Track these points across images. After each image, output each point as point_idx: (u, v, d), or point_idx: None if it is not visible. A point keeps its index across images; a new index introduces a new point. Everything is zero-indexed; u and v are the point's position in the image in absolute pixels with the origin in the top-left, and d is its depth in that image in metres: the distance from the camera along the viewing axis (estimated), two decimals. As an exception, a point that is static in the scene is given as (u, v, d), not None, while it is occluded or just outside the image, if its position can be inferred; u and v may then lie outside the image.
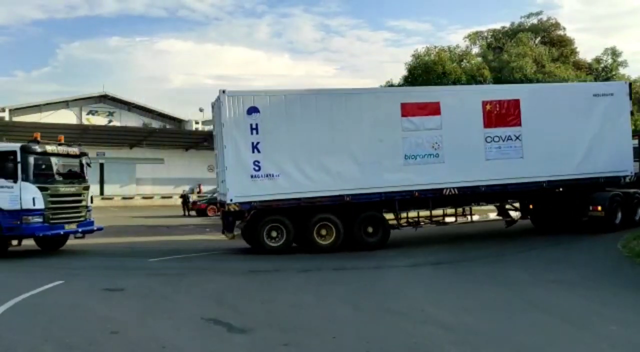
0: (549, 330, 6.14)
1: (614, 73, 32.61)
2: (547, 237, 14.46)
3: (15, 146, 12.60)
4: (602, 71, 32.94)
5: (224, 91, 12.48)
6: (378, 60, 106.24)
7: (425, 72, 26.23)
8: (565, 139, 14.21)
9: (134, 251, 14.04)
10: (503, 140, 13.84)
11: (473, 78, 25.95)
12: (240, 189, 12.32)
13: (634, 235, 12.54)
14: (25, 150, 12.51)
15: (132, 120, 47.46)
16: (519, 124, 13.91)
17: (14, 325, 6.68)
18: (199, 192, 32.88)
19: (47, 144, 13.28)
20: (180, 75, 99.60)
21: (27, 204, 12.28)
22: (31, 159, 12.56)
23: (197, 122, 48.91)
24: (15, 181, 12.30)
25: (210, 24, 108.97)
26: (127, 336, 6.22)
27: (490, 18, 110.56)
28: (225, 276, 10.30)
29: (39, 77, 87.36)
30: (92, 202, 14.11)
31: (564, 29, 32.86)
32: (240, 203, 12.34)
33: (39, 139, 13.14)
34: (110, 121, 46.90)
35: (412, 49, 37.31)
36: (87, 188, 13.94)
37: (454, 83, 24.85)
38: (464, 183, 13.52)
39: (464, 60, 28.42)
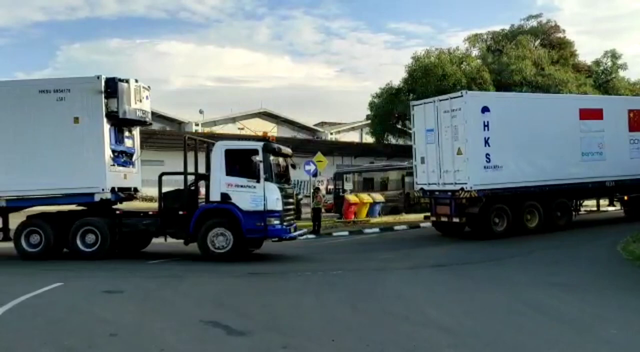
0: (549, 333, 6.12)
1: (613, 76, 32.59)
2: (547, 239, 14.47)
3: (258, 145, 12.17)
4: (602, 74, 32.91)
5: (466, 92, 15.26)
6: (378, 62, 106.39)
7: (425, 74, 26.20)
8: None
9: (133, 253, 14.01)
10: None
11: (473, 80, 25.90)
12: (477, 178, 14.42)
13: (634, 238, 12.53)
14: (267, 149, 12.01)
15: (132, 122, 47.30)
16: None
17: (12, 327, 6.68)
18: (199, 194, 32.87)
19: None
20: (180, 77, 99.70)
21: (272, 205, 11.76)
22: (270, 158, 12.14)
23: (197, 124, 48.88)
24: (258, 181, 11.79)
25: (211, 26, 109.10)
26: (126, 338, 6.21)
27: (490, 20, 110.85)
28: (225, 278, 10.29)
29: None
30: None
31: (564, 31, 32.85)
32: (477, 190, 14.32)
33: (268, 136, 12.72)
34: (110, 123, 46.77)
35: (412, 51, 37.45)
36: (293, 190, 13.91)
37: (454, 85, 24.77)
38: (618, 177, 16.70)
39: (464, 63, 28.37)
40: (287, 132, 52.26)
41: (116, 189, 12.87)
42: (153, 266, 11.76)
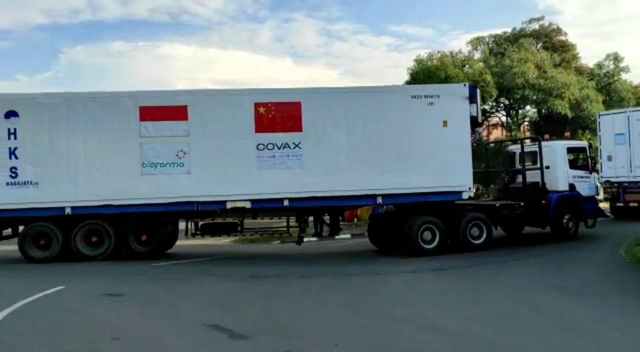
0: (551, 337, 6.10)
1: (615, 78, 32.57)
2: (549, 243, 14.42)
3: (584, 144, 16.08)
4: (604, 77, 32.90)
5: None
6: (380, 65, 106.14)
7: (427, 77, 26.19)
8: None
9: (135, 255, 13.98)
10: None
11: (475, 83, 25.90)
12: None
13: (636, 241, 12.47)
14: (590, 147, 15.56)
15: (134, 125, 47.30)
16: None
17: (15, 330, 6.67)
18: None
19: None
20: (182, 80, 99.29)
21: (600, 191, 15.44)
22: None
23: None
24: (590, 172, 15.11)
25: (213, 28, 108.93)
26: (127, 341, 6.21)
27: (492, 23, 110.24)
28: (227, 281, 10.28)
29: (42, 82, 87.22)
30: None
31: (566, 34, 32.83)
32: None
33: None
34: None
35: (414, 54, 37.53)
36: None
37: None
38: None
39: (466, 66, 28.38)
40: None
41: None
42: (154, 269, 11.75)
